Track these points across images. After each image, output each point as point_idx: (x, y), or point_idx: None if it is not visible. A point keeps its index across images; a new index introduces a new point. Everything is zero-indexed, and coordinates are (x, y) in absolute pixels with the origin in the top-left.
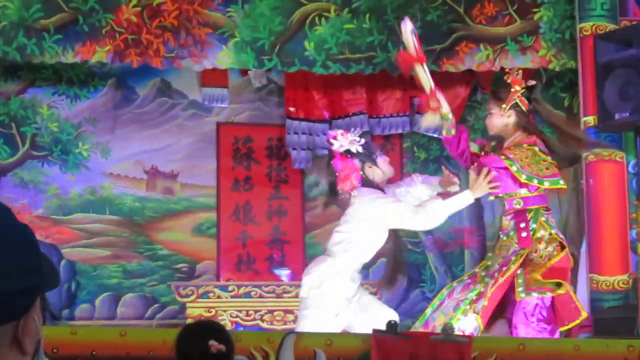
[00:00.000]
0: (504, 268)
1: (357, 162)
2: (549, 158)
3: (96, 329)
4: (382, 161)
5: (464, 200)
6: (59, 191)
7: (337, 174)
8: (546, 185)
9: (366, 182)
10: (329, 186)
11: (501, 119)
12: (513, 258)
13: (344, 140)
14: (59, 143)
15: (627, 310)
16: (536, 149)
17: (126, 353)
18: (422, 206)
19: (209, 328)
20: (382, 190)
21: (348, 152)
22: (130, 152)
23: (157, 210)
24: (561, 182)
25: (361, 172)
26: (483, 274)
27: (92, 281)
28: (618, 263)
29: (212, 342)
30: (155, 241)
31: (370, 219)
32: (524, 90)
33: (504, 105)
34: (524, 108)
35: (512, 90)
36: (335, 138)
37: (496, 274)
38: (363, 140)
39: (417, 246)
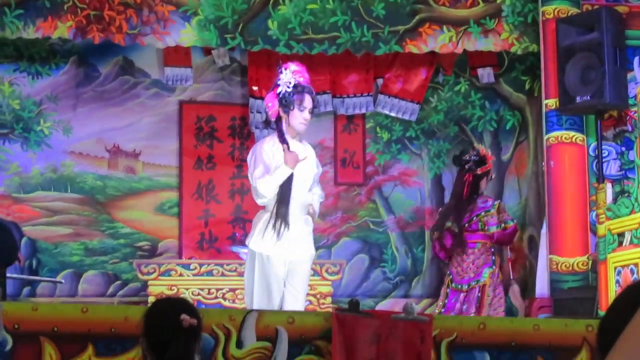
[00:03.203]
0: None
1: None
2: None
3: (58, 305)
4: (299, 114)
5: (281, 173)
6: (20, 169)
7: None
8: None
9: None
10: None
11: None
12: None
13: (289, 76)
14: (21, 121)
15: (586, 291)
16: None
17: (88, 330)
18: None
19: (180, 303)
20: (287, 143)
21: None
22: (92, 130)
23: (119, 188)
24: None
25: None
26: None
27: (54, 259)
28: (578, 245)
29: (184, 317)
30: (117, 219)
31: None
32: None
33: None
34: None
35: (488, 158)
36: (287, 69)
37: None
38: (292, 89)
39: (379, 226)
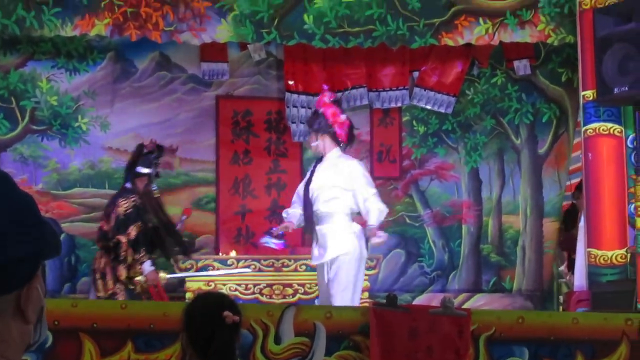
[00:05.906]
0: None
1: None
2: None
3: (97, 301)
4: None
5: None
6: (59, 166)
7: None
8: None
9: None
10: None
11: None
12: None
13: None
14: (59, 117)
15: (625, 284)
16: None
17: (127, 325)
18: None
19: (222, 299)
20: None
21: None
22: (129, 125)
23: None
24: None
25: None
26: None
27: (92, 255)
28: (616, 237)
29: (227, 313)
30: None
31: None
32: None
33: None
34: None
35: None
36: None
37: None
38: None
39: (415, 220)
